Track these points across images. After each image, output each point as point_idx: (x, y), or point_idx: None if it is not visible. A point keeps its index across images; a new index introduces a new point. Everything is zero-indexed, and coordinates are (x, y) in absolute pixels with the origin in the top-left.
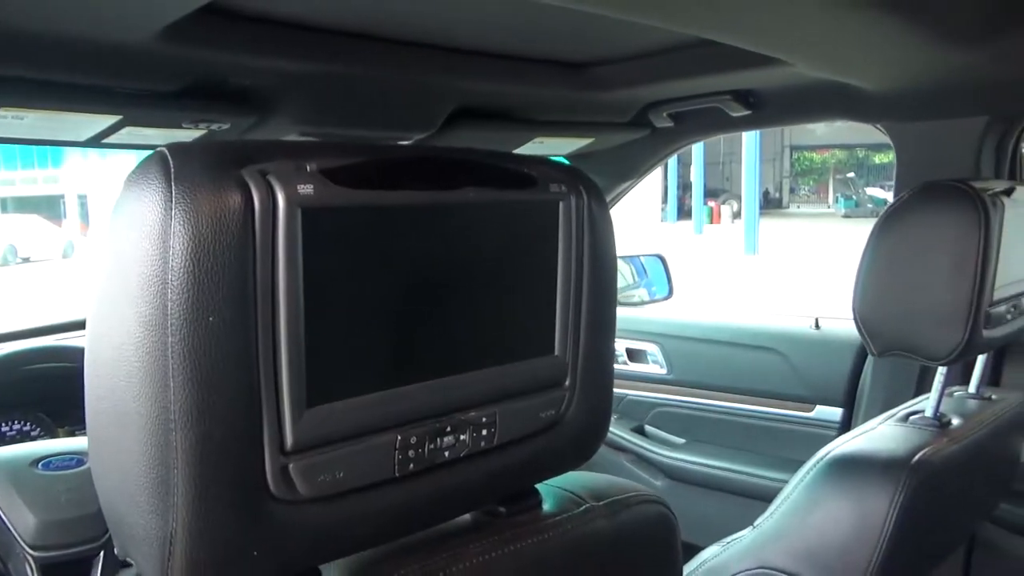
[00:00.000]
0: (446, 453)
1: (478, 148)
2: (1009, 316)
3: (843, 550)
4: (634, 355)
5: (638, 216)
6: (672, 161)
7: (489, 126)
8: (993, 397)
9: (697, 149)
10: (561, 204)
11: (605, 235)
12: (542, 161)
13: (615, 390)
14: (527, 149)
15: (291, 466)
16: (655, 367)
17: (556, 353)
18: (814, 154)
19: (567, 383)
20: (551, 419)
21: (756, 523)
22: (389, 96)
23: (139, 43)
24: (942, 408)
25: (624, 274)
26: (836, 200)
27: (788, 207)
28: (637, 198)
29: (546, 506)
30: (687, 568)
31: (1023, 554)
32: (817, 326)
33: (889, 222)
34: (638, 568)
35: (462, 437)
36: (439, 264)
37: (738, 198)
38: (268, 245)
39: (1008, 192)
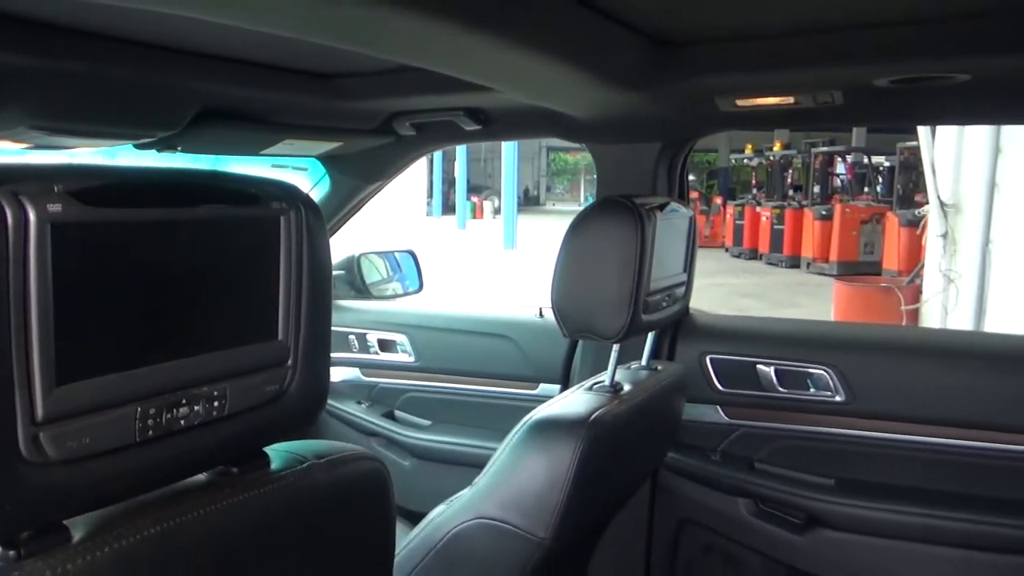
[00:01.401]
0: (182, 422)
1: (222, 153)
2: (664, 304)
3: (539, 496)
4: (385, 345)
5: (403, 210)
6: (437, 156)
7: (236, 127)
8: (659, 368)
9: (461, 147)
10: (282, 219)
11: (320, 244)
12: (268, 182)
13: (368, 379)
14: (277, 149)
15: (41, 435)
16: (404, 356)
17: (279, 338)
18: (568, 155)
19: (289, 363)
20: (275, 392)
21: (474, 482)
22: (129, 95)
23: None
24: (618, 378)
25: (379, 268)
26: (586, 199)
27: (545, 204)
28: (402, 193)
29: (274, 465)
30: (419, 528)
31: (688, 492)
32: (541, 315)
33: (576, 228)
34: (354, 516)
35: (196, 408)
36: (177, 268)
37: (499, 194)
38: (20, 256)
39: (662, 207)
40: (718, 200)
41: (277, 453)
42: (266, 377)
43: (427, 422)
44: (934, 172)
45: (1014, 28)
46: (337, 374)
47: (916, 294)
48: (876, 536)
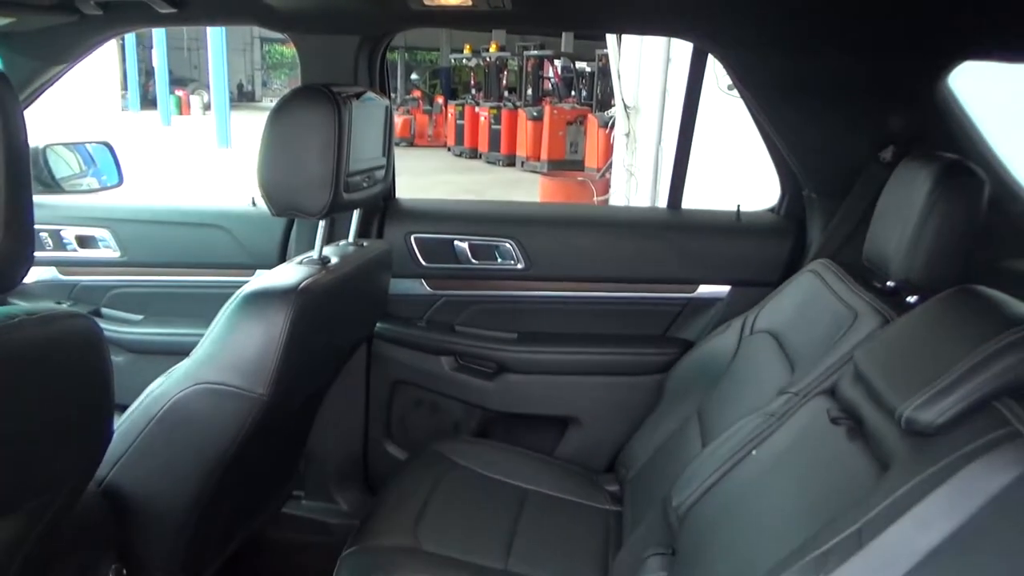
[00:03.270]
0: None
1: None
2: (365, 184)
3: (255, 358)
4: (85, 241)
5: (93, 103)
6: (130, 41)
7: None
8: (365, 244)
9: (159, 32)
10: None
11: (16, 117)
12: None
13: (67, 278)
14: None
15: None
16: (108, 251)
17: None
18: (284, 47)
19: None
20: None
21: (191, 354)
22: None
23: None
24: (327, 252)
25: (69, 162)
26: None
27: (261, 100)
28: (90, 82)
29: None
30: (137, 401)
31: (399, 357)
32: (254, 203)
33: (277, 114)
34: (69, 370)
35: None
36: None
37: (208, 88)
38: None
39: (358, 95)
40: (440, 100)
41: None
42: None
43: (139, 316)
44: (620, 78)
45: None
46: (29, 275)
47: (607, 187)
48: (549, 374)
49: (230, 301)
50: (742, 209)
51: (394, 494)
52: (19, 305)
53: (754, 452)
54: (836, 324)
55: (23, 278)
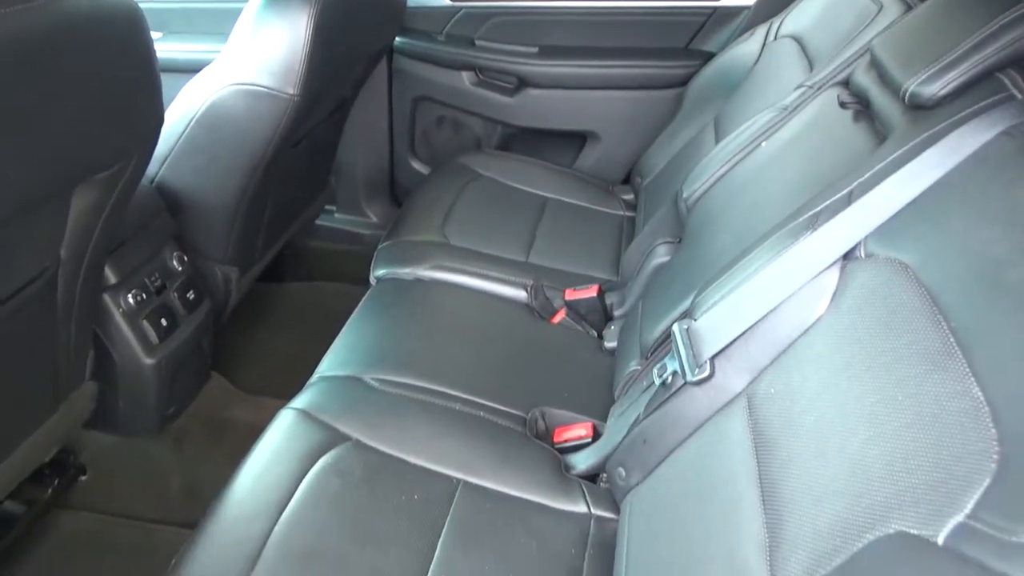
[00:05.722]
0: None
1: None
2: None
3: (284, 59)
4: None
5: None
6: None
7: None
8: None
9: None
10: None
11: None
12: None
13: None
14: None
15: None
16: None
17: None
18: None
19: None
20: None
21: (217, 59)
22: None
23: None
24: None
25: None
26: None
27: None
28: None
29: None
30: (173, 105)
31: (420, 72)
32: None
33: None
34: (115, 46)
35: None
36: None
37: None
38: None
39: None
40: None
41: None
42: None
43: (158, 34)
44: None
45: None
46: None
47: None
48: (569, 88)
49: (251, 4)
50: None
51: (421, 201)
52: None
53: (764, 144)
54: (860, 18)
55: None
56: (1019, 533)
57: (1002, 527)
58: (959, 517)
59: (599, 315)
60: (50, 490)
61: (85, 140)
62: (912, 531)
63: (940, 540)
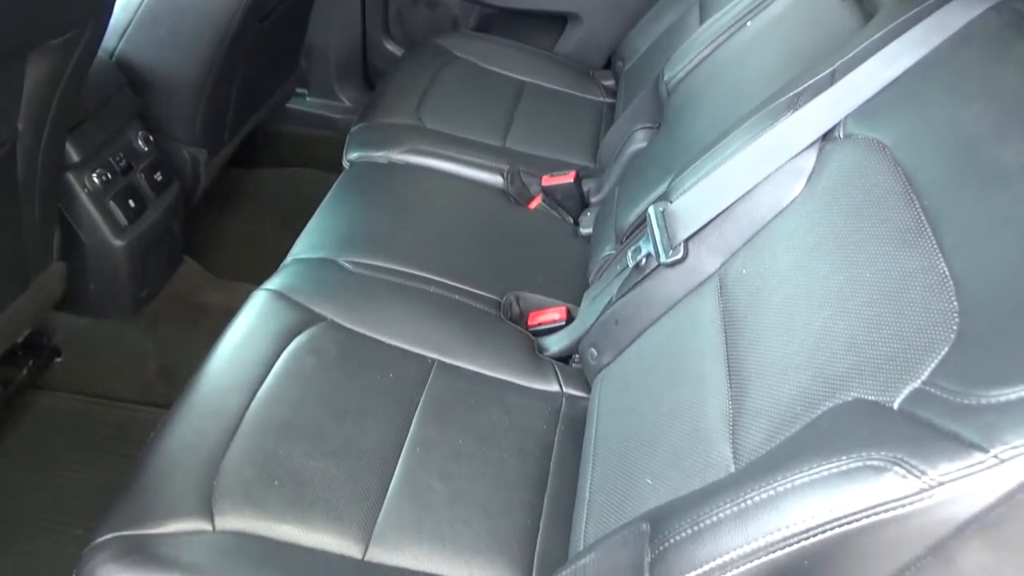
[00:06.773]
0: None
1: None
2: None
3: None
4: None
5: None
6: None
7: None
8: None
9: None
10: None
11: None
12: None
13: None
14: None
15: None
16: None
17: None
18: None
19: None
20: None
21: None
22: None
23: None
24: None
25: None
26: None
27: None
28: None
29: None
30: None
31: None
32: None
33: None
34: None
35: None
36: None
37: None
38: None
39: None
40: None
41: None
42: None
43: None
44: None
45: None
46: None
47: None
48: None
49: None
50: None
51: (395, 82)
52: None
53: (749, 23)
54: None
55: None
56: (970, 396)
57: (955, 391)
58: (915, 383)
59: (576, 201)
60: (25, 370)
61: (37, 4)
62: (869, 397)
63: (896, 405)
